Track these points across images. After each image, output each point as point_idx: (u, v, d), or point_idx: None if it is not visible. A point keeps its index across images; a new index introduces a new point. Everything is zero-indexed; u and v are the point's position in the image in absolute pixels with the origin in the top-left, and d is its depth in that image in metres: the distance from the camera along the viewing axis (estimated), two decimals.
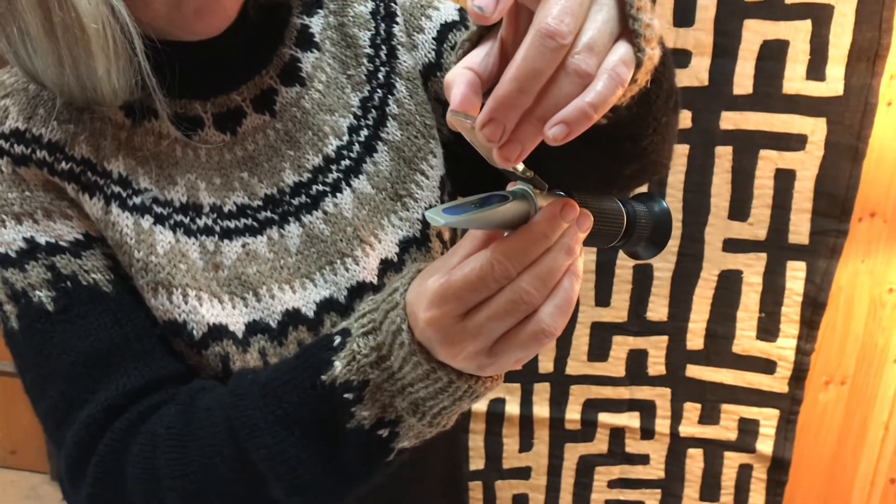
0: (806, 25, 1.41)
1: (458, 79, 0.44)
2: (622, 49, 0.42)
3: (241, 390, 0.60)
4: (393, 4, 0.76)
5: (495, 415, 1.71)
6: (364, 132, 0.74)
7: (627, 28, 0.43)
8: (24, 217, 0.64)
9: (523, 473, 1.76)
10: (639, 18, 0.43)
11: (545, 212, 0.47)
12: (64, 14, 0.56)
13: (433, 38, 0.76)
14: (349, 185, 0.72)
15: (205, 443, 0.59)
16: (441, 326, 0.49)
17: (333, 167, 0.72)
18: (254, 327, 0.67)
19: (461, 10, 0.78)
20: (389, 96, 0.75)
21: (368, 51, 0.75)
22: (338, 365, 0.55)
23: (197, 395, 0.63)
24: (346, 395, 0.55)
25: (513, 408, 1.70)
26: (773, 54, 1.43)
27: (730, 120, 1.47)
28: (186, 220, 0.67)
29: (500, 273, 0.46)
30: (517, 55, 0.40)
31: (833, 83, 1.42)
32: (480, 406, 1.70)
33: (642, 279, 1.59)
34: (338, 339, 0.56)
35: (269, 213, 0.70)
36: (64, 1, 0.56)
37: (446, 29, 0.76)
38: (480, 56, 0.45)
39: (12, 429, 2.29)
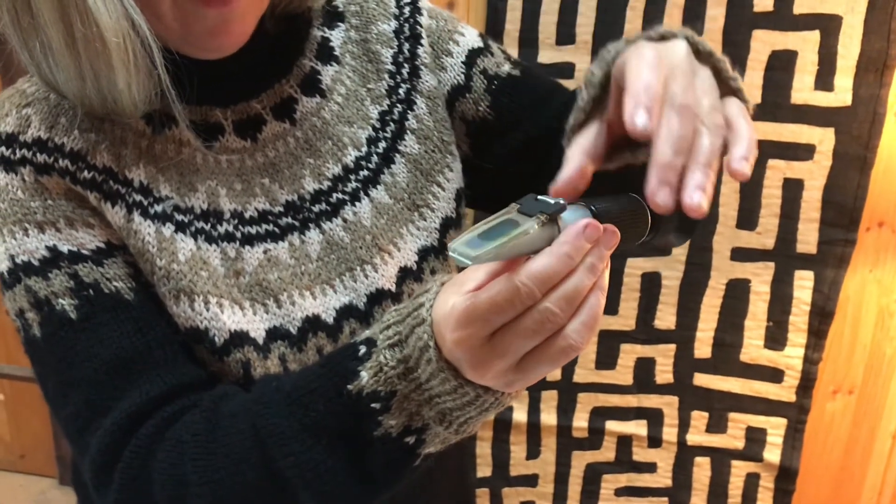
0: (814, 36, 1.41)
1: (572, 163, 0.55)
2: (734, 102, 0.55)
3: (266, 398, 0.61)
4: (419, 27, 0.78)
5: (503, 422, 1.72)
6: (382, 144, 0.75)
7: (726, 88, 0.56)
8: (46, 226, 0.65)
9: (530, 481, 1.76)
10: (735, 78, 0.57)
11: (569, 234, 0.47)
12: (86, 28, 0.57)
13: (462, 62, 0.79)
14: (367, 194, 0.73)
15: (232, 450, 0.60)
16: (468, 347, 0.50)
17: (352, 177, 0.73)
18: (274, 333, 0.68)
19: (483, 37, 0.82)
20: (409, 111, 0.76)
21: (390, 67, 0.77)
22: (364, 375, 0.56)
23: (221, 402, 0.64)
24: (373, 405, 0.55)
25: (520, 415, 1.71)
26: (781, 64, 1.44)
27: None
28: (207, 227, 0.68)
29: (526, 296, 0.47)
30: (663, 131, 0.49)
31: (841, 93, 1.43)
32: None
33: (650, 287, 1.60)
34: (363, 349, 0.57)
35: (290, 220, 0.71)
36: (86, 15, 0.57)
37: (474, 55, 0.80)
38: (591, 138, 0.56)
39: (21, 433, 2.30)
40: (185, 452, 0.61)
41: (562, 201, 0.49)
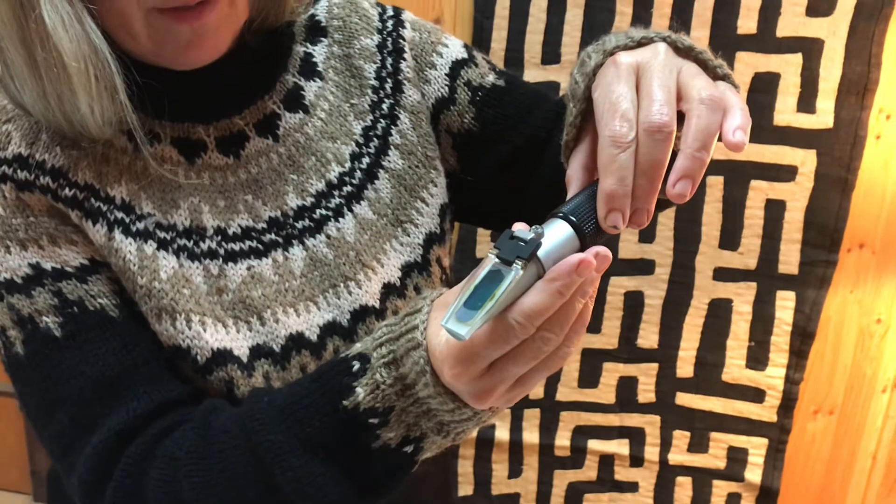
0: (797, 59, 1.43)
1: (574, 183, 0.57)
2: (722, 83, 0.55)
3: (259, 413, 0.60)
4: (401, 41, 0.78)
5: (485, 440, 1.71)
6: (366, 160, 0.75)
7: (713, 76, 0.56)
8: (29, 243, 0.64)
9: (512, 500, 1.75)
10: (721, 65, 0.58)
11: (561, 271, 0.48)
12: (46, 53, 0.57)
13: (446, 75, 0.79)
14: (351, 210, 0.73)
15: (228, 466, 0.60)
16: (468, 381, 0.51)
17: (336, 192, 0.73)
18: (258, 351, 0.67)
19: (467, 47, 0.81)
20: (392, 127, 0.76)
21: (373, 82, 0.77)
22: (360, 392, 0.56)
23: (211, 417, 0.63)
24: (371, 420, 0.56)
25: (502, 433, 1.70)
26: (764, 86, 1.45)
27: (721, 150, 1.46)
28: (190, 244, 0.67)
29: (520, 332, 0.48)
30: (641, 155, 0.51)
31: (823, 116, 1.45)
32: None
33: (633, 306, 1.60)
34: (356, 365, 0.57)
35: (273, 236, 0.70)
36: (46, 40, 0.57)
37: (458, 66, 0.79)
38: (588, 151, 0.58)
39: None
40: (179, 469, 0.61)
41: (538, 230, 0.50)
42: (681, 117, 0.53)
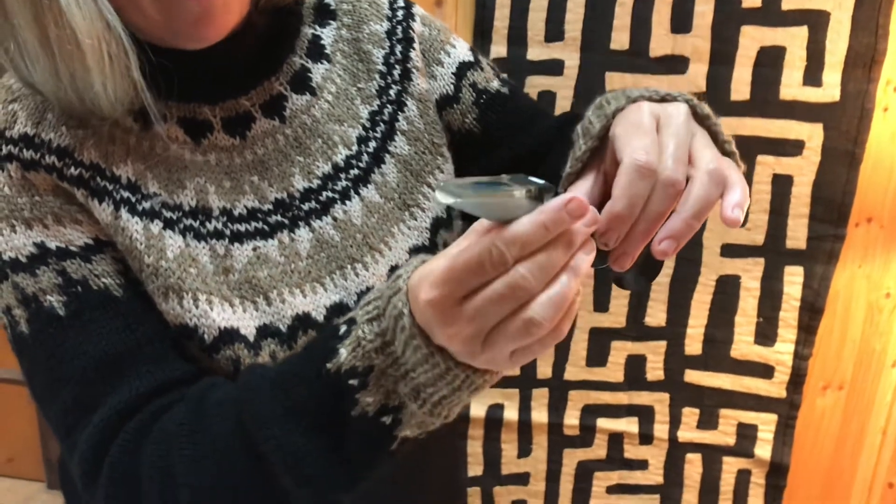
0: (802, 32, 1.42)
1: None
2: (728, 160, 0.57)
3: (251, 385, 0.61)
4: (411, 31, 0.79)
5: (494, 420, 1.71)
6: (372, 143, 0.75)
7: (720, 150, 0.58)
8: (34, 222, 0.64)
9: (522, 479, 1.76)
10: (729, 142, 0.60)
11: (550, 205, 0.47)
12: (59, 30, 0.57)
13: (452, 74, 0.80)
14: (358, 193, 0.73)
15: (217, 438, 0.60)
16: (440, 307, 0.49)
17: (342, 175, 0.73)
18: (264, 331, 0.67)
19: (473, 51, 0.83)
20: (399, 113, 0.76)
21: (381, 68, 0.77)
22: (343, 352, 0.56)
23: (207, 391, 0.63)
24: (350, 382, 0.55)
25: (511, 413, 1.71)
26: (770, 60, 1.44)
27: (727, 126, 1.46)
28: (196, 224, 0.67)
29: (497, 258, 0.47)
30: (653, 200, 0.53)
31: (830, 89, 1.44)
32: (479, 412, 1.70)
33: None
34: (343, 328, 0.57)
35: (279, 217, 0.70)
36: (60, 17, 0.57)
37: (464, 67, 0.81)
38: (588, 188, 0.59)
39: (9, 437, 2.28)
40: (171, 443, 0.61)
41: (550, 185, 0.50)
42: None
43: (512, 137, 0.79)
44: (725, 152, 0.59)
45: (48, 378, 0.65)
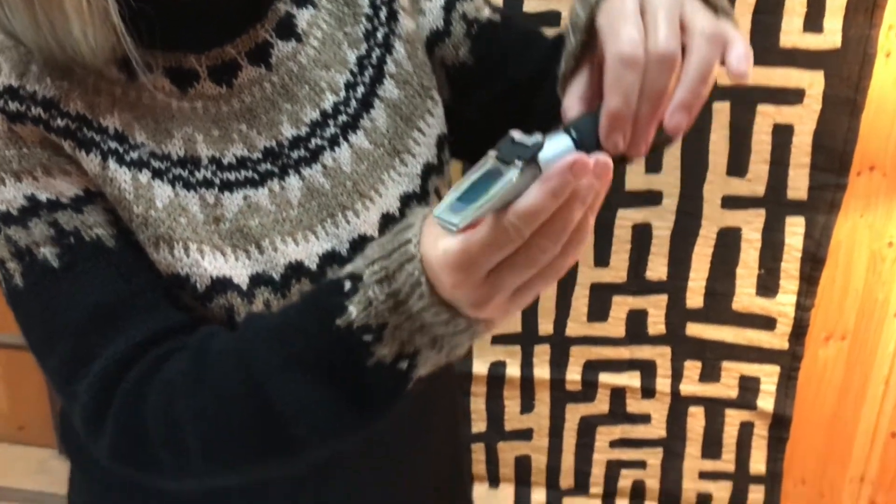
0: None
1: (570, 112, 0.58)
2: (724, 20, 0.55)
3: (253, 336, 0.61)
4: None
5: (496, 377, 1.72)
6: (361, 89, 0.74)
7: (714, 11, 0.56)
8: (23, 174, 0.64)
9: (525, 435, 1.77)
10: (723, 2, 0.57)
11: (555, 171, 0.46)
12: None
13: (441, 7, 0.78)
14: (347, 140, 0.73)
15: (223, 389, 0.61)
16: (468, 289, 0.51)
17: (331, 122, 0.72)
18: (258, 280, 0.67)
19: None
20: (387, 55, 0.75)
21: (367, 11, 0.76)
22: (353, 310, 0.56)
23: (207, 341, 0.64)
24: (365, 337, 0.56)
25: (513, 370, 1.71)
26: (769, 7, 1.42)
27: (723, 77, 1.45)
28: (185, 174, 0.67)
29: (515, 235, 0.48)
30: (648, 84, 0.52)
31: (831, 35, 1.41)
32: (481, 369, 1.71)
33: (641, 238, 1.60)
34: (348, 284, 0.57)
35: (269, 166, 0.70)
36: None
37: (453, 0, 0.78)
38: (585, 83, 0.58)
39: (19, 405, 2.30)
40: (175, 393, 0.61)
41: (539, 137, 0.49)
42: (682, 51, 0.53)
43: (507, 66, 0.77)
44: (719, 13, 0.58)
45: (44, 330, 0.66)
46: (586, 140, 0.52)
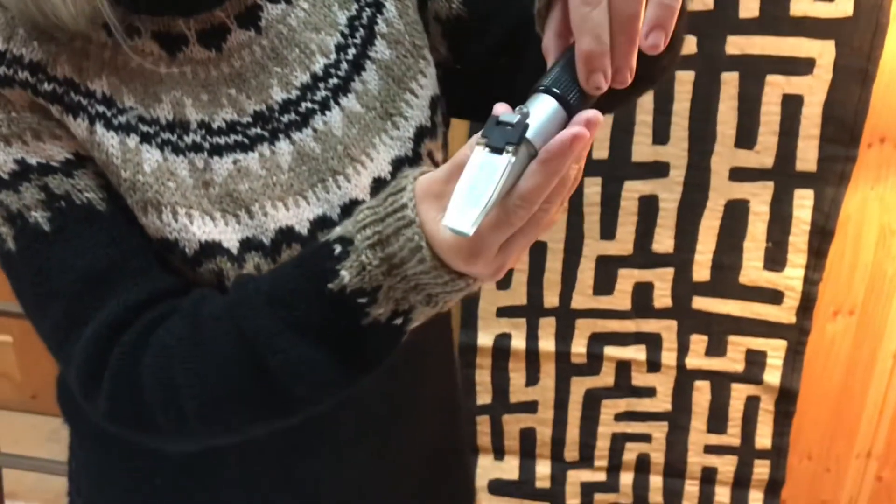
0: None
1: (551, 53, 0.56)
2: None
3: (246, 300, 0.62)
4: None
5: (501, 350, 1.72)
6: (351, 50, 0.73)
7: None
8: (12, 139, 0.64)
9: (530, 407, 1.78)
10: None
11: (555, 150, 0.48)
12: None
13: None
14: (338, 103, 0.72)
15: (219, 353, 0.61)
16: (484, 265, 0.53)
17: (321, 85, 0.71)
18: (248, 244, 0.67)
19: None
20: (378, 15, 0.74)
21: None
22: (345, 275, 0.57)
23: (200, 305, 0.64)
24: (360, 300, 0.57)
25: (518, 342, 1.71)
26: None
27: (736, 44, 1.44)
28: (174, 138, 0.67)
29: (524, 214, 0.50)
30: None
31: (842, 4, 1.39)
32: (486, 341, 1.71)
33: (648, 210, 1.58)
34: (338, 248, 0.58)
35: (259, 130, 0.69)
36: None
37: None
38: (562, 17, 0.55)
39: (32, 374, 2.33)
40: (172, 357, 0.62)
41: (523, 111, 0.49)
42: None
43: (499, 13, 0.76)
44: None
45: (37, 294, 0.66)
46: (568, 92, 0.51)
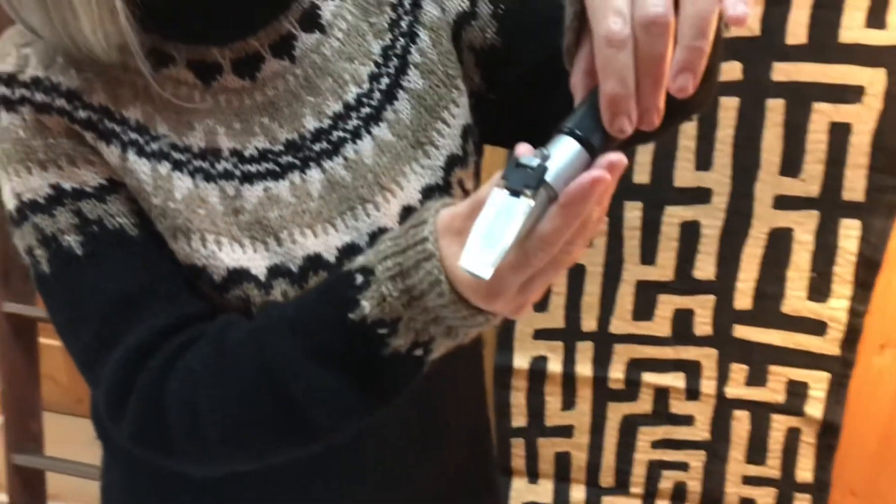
0: None
1: (578, 91, 0.55)
2: None
3: (270, 327, 0.63)
4: None
5: (537, 372, 1.71)
6: (385, 80, 0.73)
7: None
8: (48, 164, 0.66)
9: (566, 431, 1.76)
10: None
11: (575, 195, 0.48)
12: None
13: None
14: (369, 132, 0.72)
15: (242, 379, 0.63)
16: (503, 304, 0.54)
17: (353, 114, 0.72)
18: (275, 271, 0.68)
19: None
20: (412, 45, 0.74)
21: (392, 0, 0.75)
22: (366, 305, 0.58)
23: (226, 331, 0.65)
24: (380, 331, 0.58)
25: (555, 366, 1.70)
26: (830, 2, 1.36)
27: (782, 71, 1.41)
28: (206, 166, 0.68)
29: (544, 257, 0.50)
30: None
31: (894, 30, 1.35)
32: (522, 363, 1.70)
33: (689, 236, 1.56)
34: (360, 279, 0.58)
35: (290, 158, 0.70)
36: None
37: None
38: (588, 57, 0.54)
39: (78, 378, 2.35)
40: (196, 382, 0.63)
41: (544, 154, 0.49)
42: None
43: (533, 43, 0.75)
44: None
45: (69, 316, 0.68)
46: (592, 135, 0.50)
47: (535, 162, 0.48)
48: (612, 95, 0.49)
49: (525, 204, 0.47)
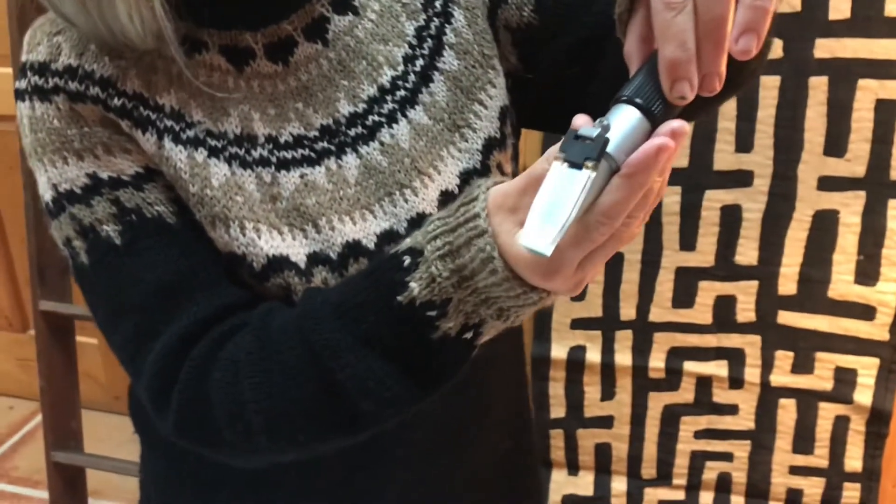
0: None
1: (634, 59, 0.53)
2: None
3: (314, 313, 0.61)
4: None
5: (575, 363, 1.68)
6: (420, 62, 0.72)
7: None
8: (85, 153, 0.65)
9: (606, 422, 1.73)
10: None
11: (639, 164, 0.46)
12: None
13: None
14: (405, 115, 0.71)
15: (287, 366, 0.61)
16: (562, 282, 0.52)
17: (388, 98, 0.71)
18: (315, 258, 0.67)
19: None
20: (446, 25, 0.73)
21: None
22: (414, 286, 0.56)
23: (268, 318, 0.64)
24: (429, 313, 0.56)
25: (594, 355, 1.67)
26: None
27: (825, 48, 1.37)
28: (241, 152, 0.67)
29: (606, 231, 0.48)
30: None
31: None
32: (560, 353, 1.68)
33: (730, 221, 1.52)
34: (407, 260, 0.57)
35: (325, 144, 0.69)
36: None
37: None
38: (644, 21, 0.52)
39: (116, 375, 2.40)
40: (240, 371, 0.62)
41: (603, 124, 0.47)
42: None
43: (571, 21, 0.73)
44: None
45: (109, 307, 0.67)
46: (652, 103, 0.48)
47: (594, 133, 0.46)
48: (672, 60, 0.47)
49: (586, 177, 0.45)
